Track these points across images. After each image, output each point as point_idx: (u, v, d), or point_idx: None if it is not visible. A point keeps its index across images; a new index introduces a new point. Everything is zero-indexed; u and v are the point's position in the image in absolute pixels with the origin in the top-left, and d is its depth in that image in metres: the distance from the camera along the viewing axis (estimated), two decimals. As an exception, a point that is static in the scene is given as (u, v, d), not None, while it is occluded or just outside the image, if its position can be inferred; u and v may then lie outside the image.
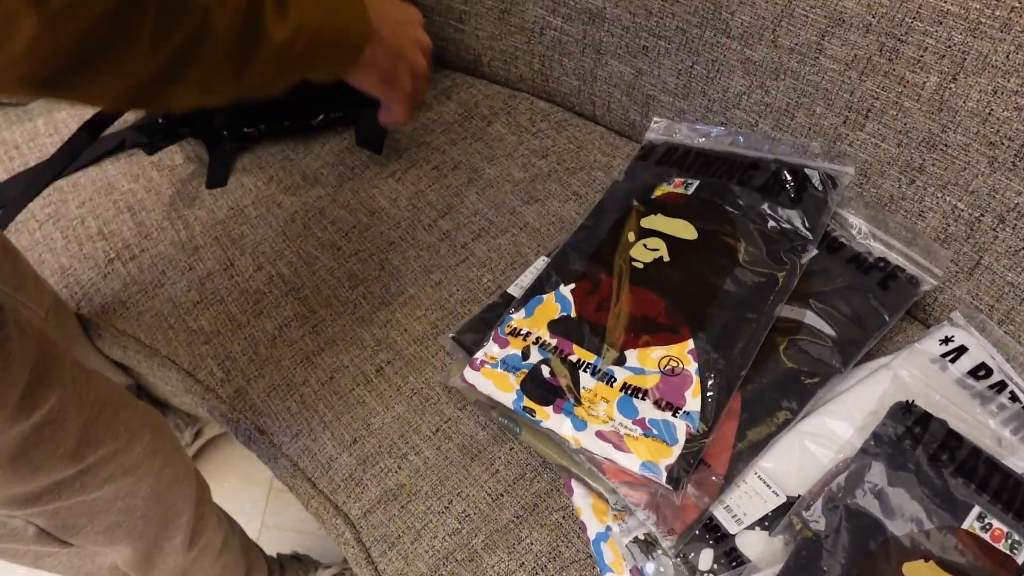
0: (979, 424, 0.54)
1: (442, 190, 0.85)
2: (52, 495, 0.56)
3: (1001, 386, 0.57)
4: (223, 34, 0.40)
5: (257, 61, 0.43)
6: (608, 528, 0.57)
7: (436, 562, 0.60)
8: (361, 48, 0.55)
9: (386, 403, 0.69)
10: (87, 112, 1.01)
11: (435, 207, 0.84)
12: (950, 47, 0.59)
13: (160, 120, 0.94)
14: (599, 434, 0.57)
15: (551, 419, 0.59)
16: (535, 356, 0.62)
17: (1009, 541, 0.48)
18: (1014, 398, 0.57)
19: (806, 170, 0.68)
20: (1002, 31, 0.56)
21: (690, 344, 0.60)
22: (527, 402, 0.60)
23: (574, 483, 0.60)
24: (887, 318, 0.62)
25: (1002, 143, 0.58)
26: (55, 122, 1.01)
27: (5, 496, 0.55)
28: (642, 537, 0.55)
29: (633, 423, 0.57)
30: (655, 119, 0.79)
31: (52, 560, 0.67)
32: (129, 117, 0.96)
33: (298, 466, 0.69)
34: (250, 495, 1.19)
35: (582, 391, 0.59)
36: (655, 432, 0.56)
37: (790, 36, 0.68)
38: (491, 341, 0.65)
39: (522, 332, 0.64)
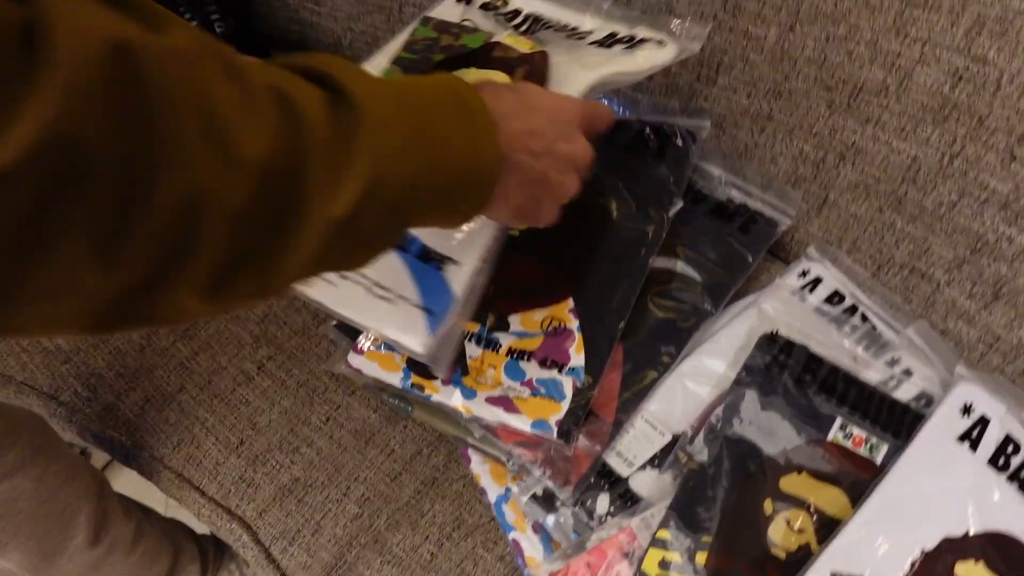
0: (836, 345, 0.58)
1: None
2: None
3: (852, 309, 0.62)
4: (232, 217, 0.28)
5: (302, 247, 0.31)
6: (508, 490, 0.57)
7: (340, 549, 0.59)
8: (483, 193, 0.40)
9: (271, 399, 0.67)
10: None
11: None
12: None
13: None
14: (489, 400, 0.57)
15: (440, 392, 0.58)
16: (419, 331, 0.62)
17: (868, 445, 0.52)
18: (864, 319, 0.61)
19: (666, 127, 0.70)
20: (824, -21, 0.60)
21: (570, 303, 0.61)
22: (415, 378, 0.59)
23: (470, 452, 0.60)
24: (750, 260, 0.66)
25: (837, 86, 0.63)
26: None
27: None
28: (540, 493, 0.55)
29: (521, 385, 0.57)
30: (520, 89, 0.79)
31: None
32: None
33: (183, 476, 0.66)
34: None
35: (468, 360, 0.59)
36: (543, 391, 0.57)
37: (639, -2, 0.70)
38: (374, 322, 0.64)
39: (404, 309, 0.64)
